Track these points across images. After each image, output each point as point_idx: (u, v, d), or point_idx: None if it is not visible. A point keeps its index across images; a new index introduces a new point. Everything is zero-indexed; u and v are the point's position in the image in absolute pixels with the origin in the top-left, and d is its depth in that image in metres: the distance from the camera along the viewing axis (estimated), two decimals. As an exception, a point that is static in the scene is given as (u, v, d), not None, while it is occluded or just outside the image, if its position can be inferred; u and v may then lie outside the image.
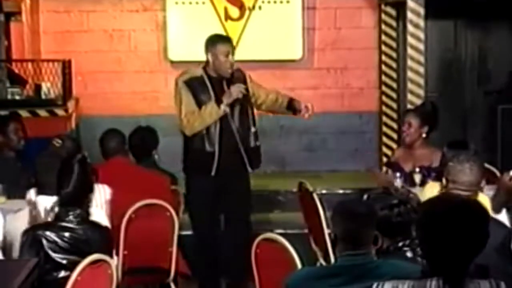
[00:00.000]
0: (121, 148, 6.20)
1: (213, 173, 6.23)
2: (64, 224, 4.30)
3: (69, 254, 4.26)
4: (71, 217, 4.30)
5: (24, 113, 8.09)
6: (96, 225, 4.47)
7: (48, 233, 4.25)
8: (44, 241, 4.23)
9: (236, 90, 6.22)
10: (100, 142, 6.27)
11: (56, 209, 4.35)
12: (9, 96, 8.54)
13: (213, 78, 6.30)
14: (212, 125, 6.22)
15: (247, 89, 6.34)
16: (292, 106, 6.50)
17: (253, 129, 6.37)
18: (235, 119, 6.29)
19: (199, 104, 6.22)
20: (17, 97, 8.56)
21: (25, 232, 4.30)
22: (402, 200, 4.01)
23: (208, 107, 6.19)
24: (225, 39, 6.54)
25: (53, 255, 4.23)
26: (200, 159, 6.27)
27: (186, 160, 6.40)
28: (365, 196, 4.73)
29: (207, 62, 6.33)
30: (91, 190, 4.47)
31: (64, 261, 4.25)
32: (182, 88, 6.27)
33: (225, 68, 6.28)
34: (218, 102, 6.20)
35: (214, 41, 6.35)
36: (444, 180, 4.61)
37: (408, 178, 6.15)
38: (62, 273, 4.23)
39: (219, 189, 6.29)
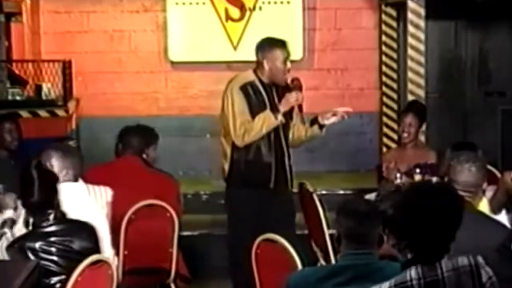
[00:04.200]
0: (136, 147, 6.10)
1: (271, 185, 5.90)
2: (44, 230, 4.25)
3: (58, 258, 4.22)
4: (48, 222, 4.27)
5: (24, 114, 8.10)
6: (75, 221, 4.42)
7: (31, 243, 4.20)
8: (29, 252, 4.19)
9: (294, 97, 5.81)
10: (121, 137, 6.15)
11: (30, 219, 4.31)
12: (9, 97, 8.54)
13: (265, 84, 5.90)
14: (267, 134, 5.84)
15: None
16: (315, 120, 6.02)
17: (289, 146, 6.06)
18: (281, 131, 5.94)
19: (252, 112, 5.82)
20: (18, 98, 8.56)
21: (9, 247, 4.25)
22: None
23: (262, 117, 5.78)
24: (283, 44, 5.97)
25: (42, 262, 4.19)
26: (257, 171, 5.89)
27: (233, 172, 5.97)
28: (374, 193, 4.75)
29: (258, 66, 5.93)
30: (56, 190, 4.41)
31: (54, 266, 4.21)
32: (237, 95, 5.83)
33: (282, 76, 5.89)
34: (272, 111, 5.81)
35: (272, 45, 5.92)
36: (446, 179, 4.61)
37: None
38: (54, 279, 4.20)
39: (264, 206, 5.92)
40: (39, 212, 4.27)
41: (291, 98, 5.82)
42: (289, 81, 5.96)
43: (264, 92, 5.87)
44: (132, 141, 6.04)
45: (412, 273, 2.90)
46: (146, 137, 6.16)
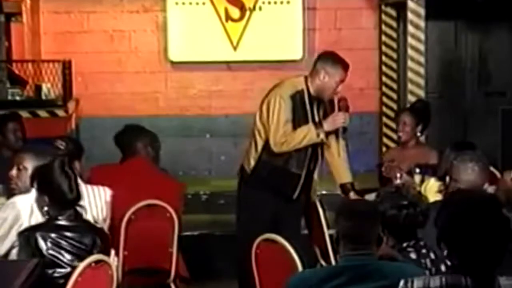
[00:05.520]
0: (143, 147, 6.08)
1: (295, 196, 5.81)
2: (59, 223, 4.29)
3: (67, 253, 4.25)
4: (64, 216, 4.30)
5: (24, 114, 8.08)
6: (89, 223, 4.48)
7: (44, 232, 4.23)
8: (41, 240, 4.22)
9: (342, 119, 5.71)
10: (120, 138, 6.16)
11: (49, 209, 4.33)
12: (9, 97, 8.54)
13: (311, 96, 5.75)
14: (304, 147, 5.72)
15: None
16: (346, 188, 5.99)
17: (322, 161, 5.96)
18: (319, 148, 5.83)
19: (294, 122, 5.66)
20: (18, 98, 8.56)
21: (20, 233, 4.30)
22: (412, 202, 4.01)
23: (305, 131, 5.65)
24: (346, 67, 5.82)
25: (50, 253, 4.22)
26: (281, 179, 5.76)
27: (256, 172, 5.79)
28: (373, 194, 4.73)
29: (312, 73, 5.79)
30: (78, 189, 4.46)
31: (61, 259, 4.24)
32: (285, 103, 5.66)
33: (330, 94, 5.76)
34: (316, 126, 5.70)
35: (336, 62, 5.78)
36: (447, 178, 4.61)
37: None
38: (58, 272, 4.22)
39: (281, 211, 5.82)
40: (62, 206, 4.30)
41: (339, 119, 5.72)
42: (335, 100, 5.84)
43: (308, 105, 5.74)
44: (137, 144, 6.04)
45: (469, 280, 2.86)
46: (147, 137, 6.18)
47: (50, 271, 4.20)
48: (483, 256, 2.87)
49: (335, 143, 5.95)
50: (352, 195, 5.97)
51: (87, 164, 5.74)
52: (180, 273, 5.90)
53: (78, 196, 4.37)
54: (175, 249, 5.73)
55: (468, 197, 3.12)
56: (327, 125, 5.72)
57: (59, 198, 4.33)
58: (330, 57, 5.84)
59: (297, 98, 5.71)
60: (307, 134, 5.67)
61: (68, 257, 4.24)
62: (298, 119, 5.70)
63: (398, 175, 6.08)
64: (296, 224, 6.02)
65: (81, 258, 4.18)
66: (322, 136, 5.70)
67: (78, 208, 4.40)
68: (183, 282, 6.02)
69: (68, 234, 4.27)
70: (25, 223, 4.46)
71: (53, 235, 4.24)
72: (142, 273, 5.72)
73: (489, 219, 2.89)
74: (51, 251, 4.22)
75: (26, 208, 4.50)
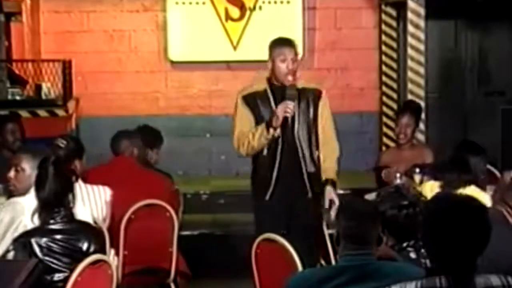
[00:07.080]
0: (127, 149, 6.09)
1: (267, 197, 5.63)
2: (52, 227, 4.26)
3: (62, 256, 4.23)
4: (57, 219, 4.28)
5: (24, 114, 8.09)
6: (84, 223, 4.45)
7: (38, 238, 4.20)
8: (35, 246, 4.20)
9: (281, 109, 5.45)
10: (111, 142, 6.19)
11: (40, 213, 4.32)
12: (9, 97, 8.55)
13: (276, 89, 5.59)
14: (274, 146, 5.54)
15: (315, 109, 5.67)
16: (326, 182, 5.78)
17: (316, 153, 5.75)
18: (301, 139, 5.62)
19: (261, 121, 5.53)
20: (18, 98, 8.57)
21: (14, 241, 4.27)
22: (412, 202, 4.01)
23: (258, 130, 5.50)
24: (283, 42, 5.73)
25: (46, 258, 4.20)
26: (260, 182, 5.66)
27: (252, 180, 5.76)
28: (374, 193, 4.73)
29: (271, 70, 5.66)
30: (70, 190, 4.42)
31: (57, 264, 4.22)
32: (239, 105, 5.60)
33: (283, 76, 5.54)
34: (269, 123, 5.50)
35: (272, 45, 5.71)
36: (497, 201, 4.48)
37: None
38: (56, 276, 4.21)
39: (280, 215, 5.65)
40: (48, 208, 4.29)
41: (279, 111, 5.48)
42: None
43: (272, 99, 5.59)
44: (120, 146, 6.03)
45: (443, 281, 2.85)
46: (153, 138, 6.22)
47: (48, 277, 4.18)
48: (459, 256, 2.87)
49: (329, 141, 5.89)
50: (328, 188, 5.81)
51: (87, 164, 5.75)
52: (180, 269, 5.90)
53: (56, 197, 4.31)
54: (174, 249, 5.73)
55: (447, 198, 3.11)
56: (274, 121, 5.49)
57: (38, 198, 4.33)
58: (270, 43, 5.74)
59: (254, 99, 5.58)
60: (260, 134, 5.51)
61: (65, 260, 4.21)
62: (265, 118, 5.53)
63: (398, 175, 6.09)
64: (309, 223, 5.89)
65: (77, 261, 4.14)
66: (272, 132, 5.48)
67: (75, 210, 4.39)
68: (183, 277, 6.02)
69: (61, 237, 4.24)
70: (21, 225, 4.45)
71: (45, 239, 4.21)
72: (141, 272, 5.73)
73: (467, 219, 2.89)
74: (46, 257, 4.19)
75: (24, 210, 4.50)
